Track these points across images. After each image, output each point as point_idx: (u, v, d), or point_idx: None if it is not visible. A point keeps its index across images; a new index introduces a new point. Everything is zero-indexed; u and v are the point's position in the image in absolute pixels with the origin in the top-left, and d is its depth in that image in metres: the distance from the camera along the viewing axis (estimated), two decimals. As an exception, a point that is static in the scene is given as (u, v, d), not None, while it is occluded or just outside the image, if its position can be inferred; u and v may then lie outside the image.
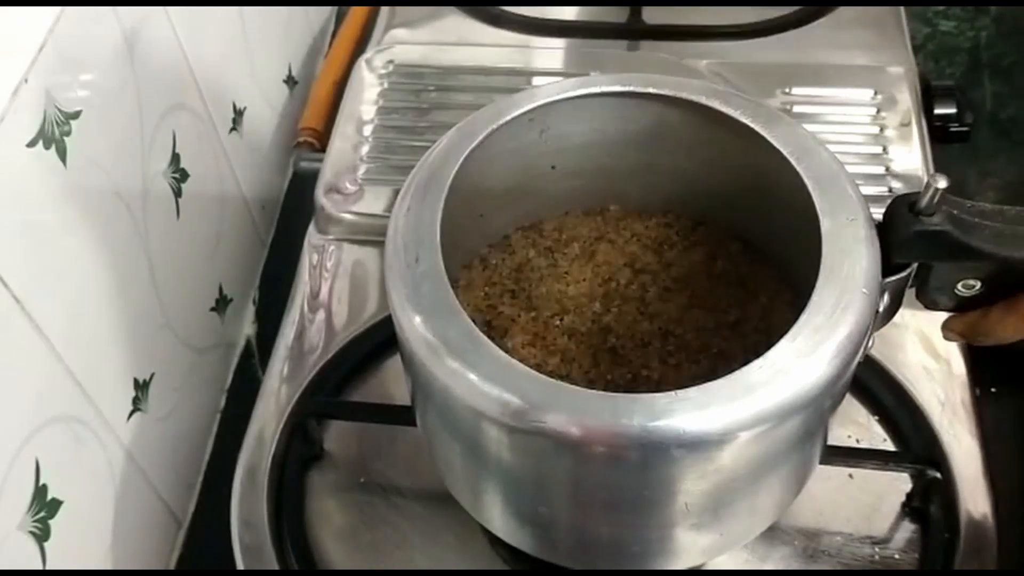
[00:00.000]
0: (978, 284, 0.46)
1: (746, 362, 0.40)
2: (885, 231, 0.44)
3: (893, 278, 0.45)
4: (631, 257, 0.55)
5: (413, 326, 0.42)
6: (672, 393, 0.39)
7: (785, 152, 0.46)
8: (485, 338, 0.41)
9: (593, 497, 0.44)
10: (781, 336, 0.41)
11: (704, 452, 0.40)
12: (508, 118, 0.48)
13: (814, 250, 0.44)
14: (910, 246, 0.44)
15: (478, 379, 0.40)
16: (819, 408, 0.42)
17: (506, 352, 0.41)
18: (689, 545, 0.47)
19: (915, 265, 0.45)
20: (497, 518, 0.49)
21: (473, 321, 0.42)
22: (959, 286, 0.46)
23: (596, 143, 0.53)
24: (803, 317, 0.41)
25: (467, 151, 0.47)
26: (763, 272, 0.54)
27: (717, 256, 0.54)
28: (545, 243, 0.55)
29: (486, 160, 0.49)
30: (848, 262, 0.43)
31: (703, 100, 0.49)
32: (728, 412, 0.39)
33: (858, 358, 0.43)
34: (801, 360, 0.40)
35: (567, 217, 0.56)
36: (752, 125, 0.47)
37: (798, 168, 0.46)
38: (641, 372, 0.50)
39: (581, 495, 0.45)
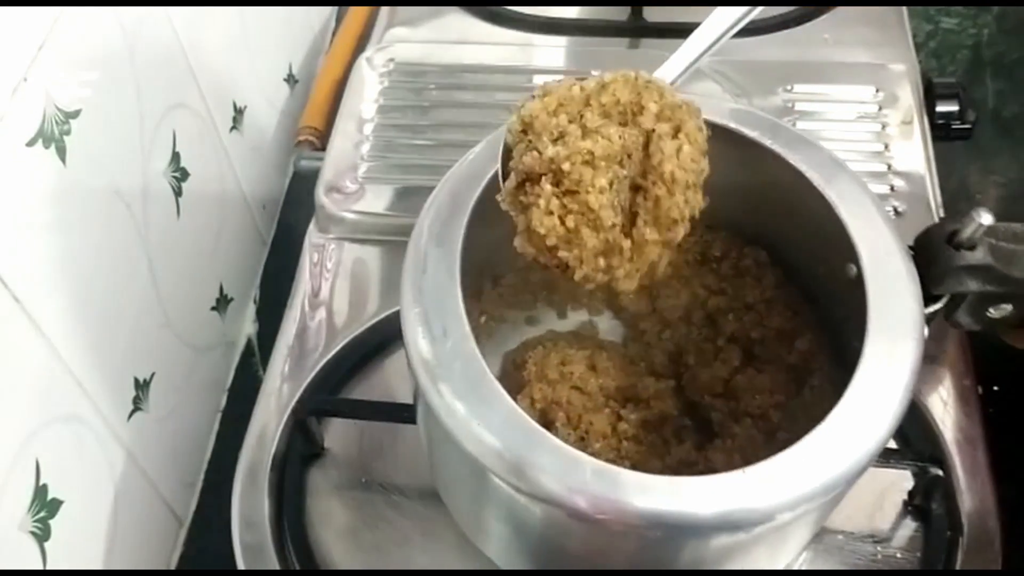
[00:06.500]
0: (1010, 307, 0.45)
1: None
2: (923, 264, 0.43)
3: (929, 309, 0.44)
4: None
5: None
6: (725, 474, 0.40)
7: (808, 174, 0.46)
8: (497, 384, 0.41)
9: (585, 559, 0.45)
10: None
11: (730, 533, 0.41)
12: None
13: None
14: (950, 279, 0.43)
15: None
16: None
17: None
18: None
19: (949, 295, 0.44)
20: (495, 543, 0.49)
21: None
22: (990, 309, 0.46)
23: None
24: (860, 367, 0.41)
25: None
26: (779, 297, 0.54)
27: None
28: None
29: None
30: (891, 303, 0.42)
31: (720, 121, 0.49)
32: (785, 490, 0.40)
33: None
34: (870, 414, 0.41)
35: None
36: (772, 147, 0.47)
37: (825, 192, 0.46)
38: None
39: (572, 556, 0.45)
